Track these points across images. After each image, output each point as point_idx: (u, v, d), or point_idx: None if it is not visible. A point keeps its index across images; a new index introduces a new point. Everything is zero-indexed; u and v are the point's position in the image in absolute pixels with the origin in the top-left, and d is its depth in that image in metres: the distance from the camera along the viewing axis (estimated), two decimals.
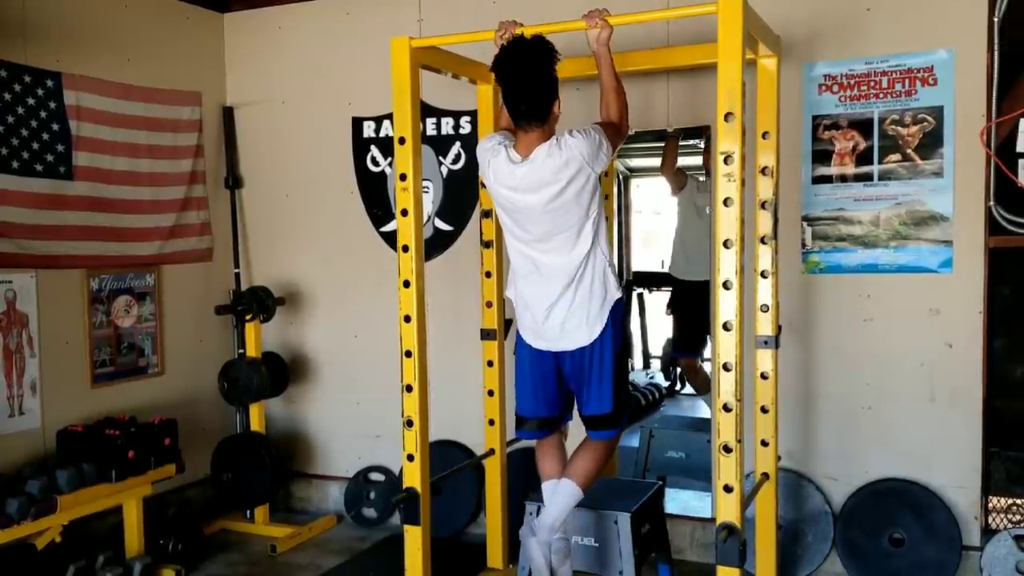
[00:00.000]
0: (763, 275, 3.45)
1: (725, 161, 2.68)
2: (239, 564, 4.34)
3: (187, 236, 4.87)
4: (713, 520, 2.85)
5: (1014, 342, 3.78)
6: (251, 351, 4.70)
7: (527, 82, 2.87)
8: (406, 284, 3.25)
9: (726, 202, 2.69)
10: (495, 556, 3.93)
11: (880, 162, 3.82)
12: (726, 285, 2.71)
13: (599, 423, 3.13)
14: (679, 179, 5.47)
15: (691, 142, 5.52)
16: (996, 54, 3.59)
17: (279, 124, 5.03)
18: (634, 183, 7.14)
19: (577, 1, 3.21)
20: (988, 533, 3.72)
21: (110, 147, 4.39)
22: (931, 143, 3.73)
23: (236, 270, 5.03)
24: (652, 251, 7.33)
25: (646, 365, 7.52)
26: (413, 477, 3.27)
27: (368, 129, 4.82)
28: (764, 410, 3.46)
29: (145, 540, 4.08)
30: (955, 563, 3.71)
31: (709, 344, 4.83)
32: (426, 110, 4.43)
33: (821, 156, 3.91)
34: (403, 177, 3.24)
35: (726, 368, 2.71)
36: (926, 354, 3.79)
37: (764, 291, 3.45)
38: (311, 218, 4.99)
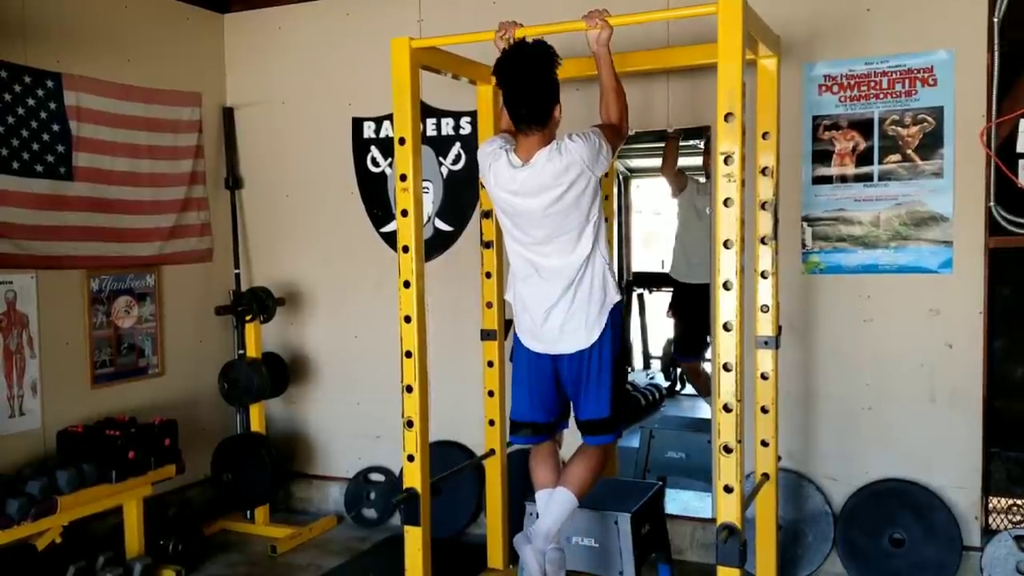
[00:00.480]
0: (763, 275, 3.45)
1: (725, 161, 2.68)
2: (239, 565, 4.34)
3: (187, 237, 4.87)
4: (713, 520, 2.85)
5: (1014, 342, 3.78)
6: (251, 351, 4.70)
7: (528, 86, 2.88)
8: (406, 284, 3.25)
9: (726, 202, 2.69)
10: (495, 556, 3.93)
11: (880, 162, 3.82)
12: (726, 285, 2.71)
13: (596, 428, 3.11)
14: (679, 180, 5.46)
15: (691, 142, 5.52)
16: (996, 54, 3.59)
17: (279, 125, 5.03)
18: (634, 183, 7.15)
19: (577, 1, 3.21)
20: (988, 533, 3.72)
21: (110, 148, 4.39)
22: (931, 143, 3.73)
23: (236, 271, 5.03)
24: (652, 251, 7.33)
25: (646, 365, 7.52)
26: (413, 477, 3.27)
27: (368, 129, 4.82)
28: (764, 410, 3.46)
29: (145, 541, 4.08)
30: (955, 563, 3.70)
31: (710, 346, 4.82)
32: (426, 111, 4.43)
33: (821, 156, 3.91)
34: (403, 178, 3.24)
35: (726, 368, 2.71)
36: (926, 354, 3.79)
37: (764, 291, 3.45)
38: (311, 219, 4.99)
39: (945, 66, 3.69)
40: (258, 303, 4.72)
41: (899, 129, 3.78)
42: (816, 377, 3.97)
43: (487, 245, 3.83)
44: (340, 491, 4.97)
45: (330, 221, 4.94)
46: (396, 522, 4.64)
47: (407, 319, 3.25)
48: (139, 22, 4.61)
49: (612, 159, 3.02)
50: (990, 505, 3.80)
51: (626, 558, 3.36)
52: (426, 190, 4.62)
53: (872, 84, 3.81)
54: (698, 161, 5.53)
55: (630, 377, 7.01)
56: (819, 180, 3.92)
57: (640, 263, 7.18)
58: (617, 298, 3.08)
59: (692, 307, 5.42)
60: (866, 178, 3.85)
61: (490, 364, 3.86)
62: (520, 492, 3.82)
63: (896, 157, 3.79)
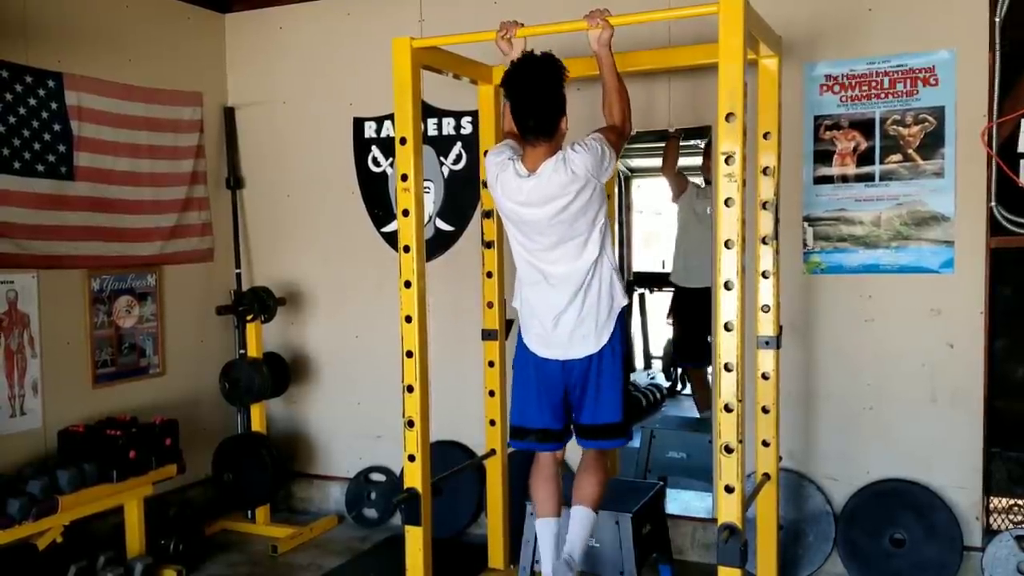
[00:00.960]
0: (764, 275, 3.45)
1: (726, 161, 2.68)
2: (240, 564, 4.34)
3: (188, 236, 4.87)
4: (714, 520, 2.85)
5: (1015, 342, 3.78)
6: (252, 351, 4.70)
7: (536, 98, 2.90)
8: (407, 284, 3.25)
9: (727, 202, 2.69)
10: (496, 556, 3.93)
11: (881, 162, 3.82)
12: (727, 285, 2.71)
13: (609, 432, 3.12)
14: (680, 182, 5.45)
15: (692, 142, 5.52)
16: (997, 54, 3.59)
17: (280, 124, 5.03)
18: (635, 183, 7.15)
19: (578, 1, 3.21)
20: (989, 534, 3.72)
21: (111, 147, 4.39)
22: (932, 143, 3.73)
23: (237, 270, 5.03)
24: (653, 251, 7.34)
25: (647, 366, 7.52)
26: (414, 477, 3.27)
27: (369, 129, 4.82)
28: (765, 410, 3.46)
29: (146, 540, 4.08)
30: (956, 564, 3.70)
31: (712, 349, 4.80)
32: (427, 110, 4.43)
33: (822, 156, 3.91)
34: (404, 177, 3.24)
35: (727, 368, 2.71)
36: (927, 354, 3.78)
37: (765, 291, 3.44)
38: (312, 218, 4.99)
39: (946, 66, 3.68)
40: (259, 303, 4.72)
41: (900, 129, 3.78)
42: (817, 377, 3.97)
43: (488, 245, 3.83)
44: (341, 491, 4.97)
45: (331, 221, 4.94)
46: (397, 522, 4.64)
47: (408, 319, 3.25)
48: (140, 22, 4.61)
49: (616, 161, 3.03)
50: (991, 505, 3.79)
51: (627, 558, 3.37)
52: (427, 190, 4.62)
53: (873, 84, 3.80)
54: (699, 161, 5.52)
55: (631, 377, 7.02)
56: (820, 180, 3.92)
57: (641, 263, 7.19)
58: (624, 302, 3.11)
59: (692, 311, 5.41)
60: (867, 178, 3.84)
61: (491, 364, 3.86)
62: (521, 492, 3.82)
63: (897, 157, 3.79)
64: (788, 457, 3.91)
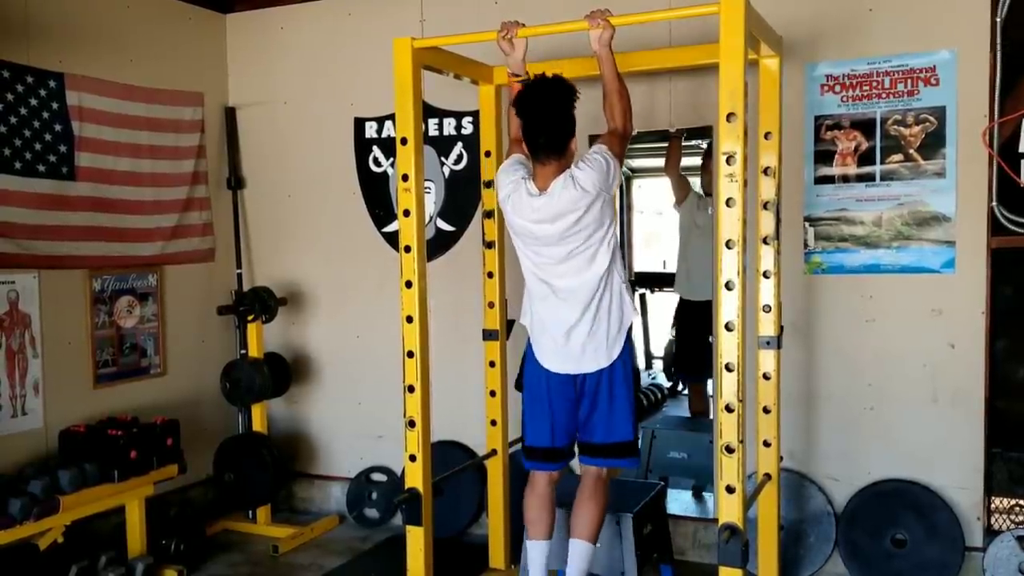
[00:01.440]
0: (765, 275, 3.44)
1: (727, 161, 2.68)
2: (241, 564, 4.34)
3: (189, 236, 4.87)
4: (715, 521, 2.85)
5: (1016, 343, 3.78)
6: (253, 351, 4.70)
7: (548, 118, 2.95)
8: (408, 284, 3.25)
9: (728, 202, 2.69)
10: (497, 556, 3.93)
11: (882, 162, 3.81)
12: (728, 285, 2.71)
13: (620, 451, 3.12)
14: (682, 186, 5.41)
15: (694, 142, 5.51)
16: (998, 54, 3.59)
17: (281, 125, 5.03)
18: (636, 183, 7.15)
19: (579, 1, 3.21)
20: (990, 534, 3.72)
21: (112, 148, 4.40)
22: (933, 143, 3.73)
23: (238, 270, 5.03)
24: (654, 251, 7.33)
25: (648, 366, 7.52)
26: (415, 477, 3.27)
27: (370, 129, 4.82)
28: (766, 411, 3.46)
29: (147, 540, 4.08)
30: (957, 564, 3.70)
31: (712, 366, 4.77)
32: (428, 110, 4.42)
33: (823, 156, 3.90)
34: (405, 178, 3.24)
35: (728, 368, 2.71)
36: (928, 355, 3.78)
37: (766, 291, 3.44)
38: (313, 219, 4.99)
39: (947, 66, 3.68)
40: (260, 303, 4.72)
41: (901, 129, 3.78)
42: (818, 377, 3.97)
43: (489, 245, 3.83)
44: (342, 491, 4.97)
45: (332, 221, 4.94)
46: (398, 522, 4.64)
47: (409, 319, 3.25)
48: (141, 22, 4.61)
49: (621, 168, 3.07)
50: (992, 505, 3.79)
51: (628, 558, 3.37)
52: (428, 190, 4.62)
53: (874, 84, 3.80)
54: (700, 160, 5.51)
55: None
56: (821, 180, 3.92)
57: (642, 263, 7.18)
58: (634, 318, 3.14)
59: (695, 324, 5.38)
60: (868, 178, 3.84)
61: (492, 364, 3.86)
62: (521, 492, 3.82)
63: (898, 157, 3.79)
64: (789, 457, 3.91)
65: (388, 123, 4.73)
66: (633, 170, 7.02)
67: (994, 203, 3.64)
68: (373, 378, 4.81)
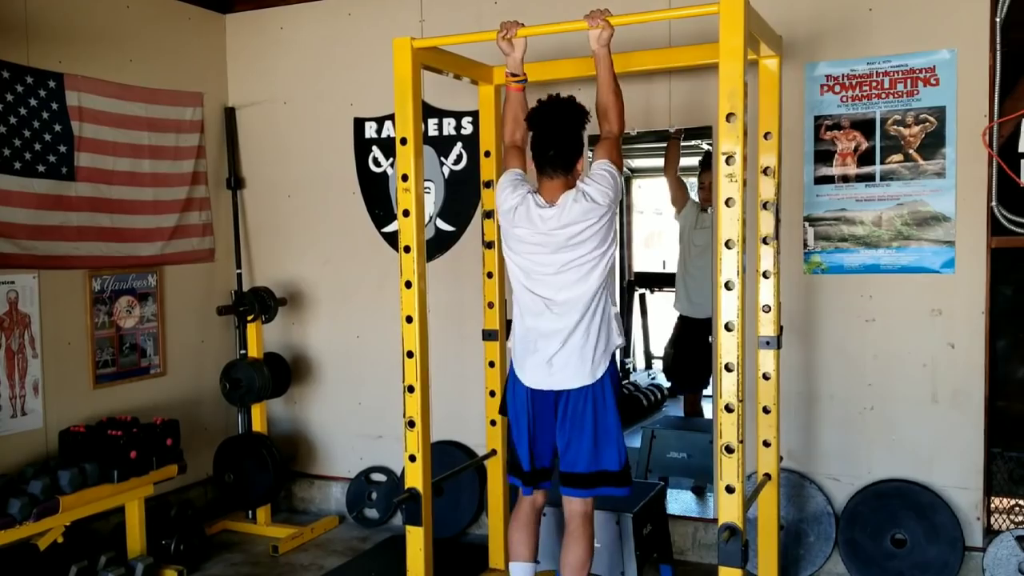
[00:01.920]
0: (765, 275, 3.45)
1: (727, 161, 2.68)
2: (241, 564, 4.34)
3: (189, 237, 4.87)
4: (715, 521, 2.85)
5: (1016, 342, 3.79)
6: (253, 351, 4.70)
7: (560, 133, 3.00)
8: (408, 285, 3.25)
9: (728, 202, 2.69)
10: (497, 557, 3.93)
11: (882, 162, 3.82)
12: (728, 286, 2.71)
13: (607, 479, 3.06)
14: (680, 192, 5.37)
15: (693, 142, 5.51)
16: (998, 54, 3.59)
17: (281, 125, 5.03)
18: (636, 183, 7.14)
19: (578, 1, 3.21)
20: (990, 534, 3.72)
21: (112, 148, 4.40)
22: (933, 143, 3.73)
23: (238, 270, 5.04)
24: (654, 251, 7.32)
25: (648, 366, 7.51)
26: (415, 477, 3.27)
27: (370, 130, 4.82)
28: (766, 410, 3.46)
29: (147, 540, 4.08)
30: (957, 564, 3.70)
31: (710, 383, 4.75)
32: (428, 111, 4.43)
33: (823, 156, 3.91)
34: (405, 178, 3.24)
35: (728, 368, 2.71)
36: (928, 354, 3.78)
37: (766, 291, 3.44)
38: (313, 219, 4.99)
39: (947, 66, 3.68)
40: (260, 303, 4.72)
41: (901, 129, 3.78)
42: (818, 377, 3.97)
43: (488, 245, 3.83)
44: (342, 491, 4.97)
45: (332, 221, 4.94)
46: (398, 522, 4.65)
47: (409, 319, 3.25)
48: (141, 22, 4.61)
49: (622, 173, 3.08)
50: (992, 505, 3.80)
51: (628, 558, 3.37)
52: (427, 190, 4.62)
53: (874, 84, 3.80)
54: (699, 160, 5.50)
55: (632, 377, 7.02)
56: (821, 180, 3.92)
57: (642, 263, 7.18)
58: (620, 342, 3.11)
59: (693, 338, 5.36)
60: (868, 178, 3.84)
61: (491, 364, 3.86)
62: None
63: (898, 157, 3.79)
64: (789, 457, 3.91)
65: (388, 123, 4.73)
66: (633, 170, 7.01)
67: (994, 203, 3.64)
68: (373, 378, 4.81)
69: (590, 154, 3.42)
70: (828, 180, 3.91)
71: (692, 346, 5.38)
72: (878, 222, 3.83)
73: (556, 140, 2.99)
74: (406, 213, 3.24)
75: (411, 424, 3.26)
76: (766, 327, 3.43)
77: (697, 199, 5.29)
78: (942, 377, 3.77)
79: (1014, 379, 3.82)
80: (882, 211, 3.83)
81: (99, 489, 3.83)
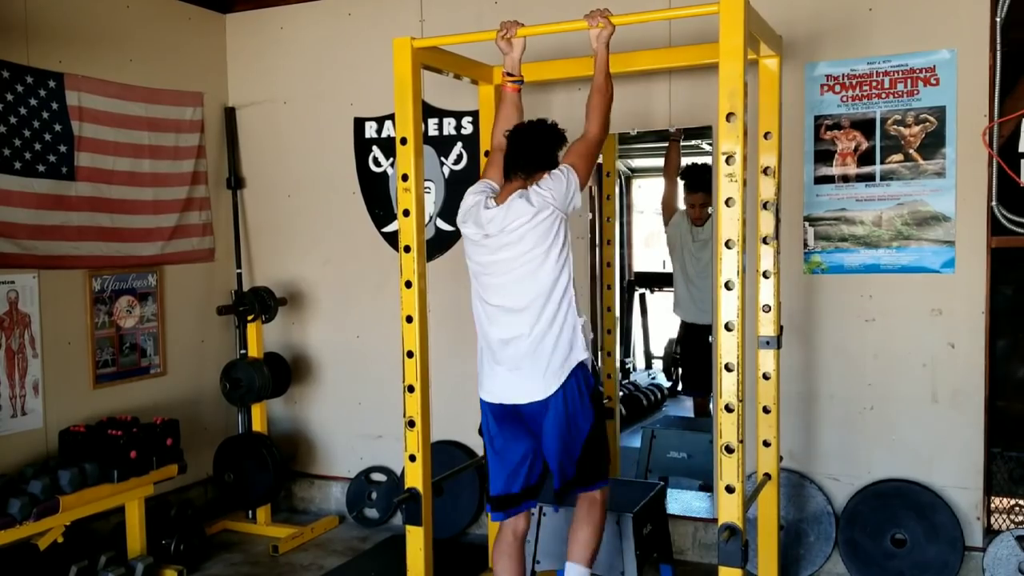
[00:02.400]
0: (765, 275, 3.44)
1: (727, 161, 2.68)
2: (241, 564, 4.34)
3: (189, 236, 4.87)
4: (715, 521, 2.84)
5: (1016, 342, 3.78)
6: (253, 351, 4.70)
7: (532, 153, 3.00)
8: (408, 284, 3.25)
9: (728, 202, 2.69)
10: None
11: (882, 162, 3.82)
12: (728, 285, 2.70)
13: (577, 483, 3.07)
14: (674, 198, 5.32)
15: (693, 142, 5.51)
16: (998, 54, 3.59)
17: (281, 125, 5.03)
18: (636, 183, 7.15)
19: (579, 1, 3.21)
20: (990, 534, 3.72)
21: (112, 148, 4.40)
22: (933, 143, 3.73)
23: (238, 270, 5.04)
24: (653, 251, 7.32)
25: (648, 366, 7.52)
26: (415, 477, 3.26)
27: (370, 129, 4.82)
28: (766, 410, 3.46)
29: (147, 540, 4.08)
30: (957, 564, 3.70)
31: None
32: (428, 110, 4.43)
33: (823, 156, 3.90)
34: (405, 177, 3.24)
35: (728, 368, 2.71)
36: (928, 354, 3.78)
37: (766, 291, 3.44)
38: (313, 219, 4.99)
39: (947, 66, 3.68)
40: (260, 303, 4.72)
41: (901, 129, 3.78)
42: (818, 377, 3.97)
43: None
44: (342, 491, 4.97)
45: (332, 221, 4.94)
46: (398, 522, 4.65)
47: (409, 319, 3.25)
48: (141, 22, 4.61)
49: (581, 192, 3.03)
50: (992, 505, 3.80)
51: (628, 558, 3.37)
52: (428, 190, 4.62)
53: (874, 84, 3.80)
54: (699, 160, 5.50)
55: (633, 377, 7.02)
56: (821, 180, 3.92)
57: (641, 263, 7.19)
58: (583, 356, 3.01)
59: (697, 345, 5.36)
60: (868, 178, 3.84)
61: None
62: None
63: (898, 157, 3.79)
64: (789, 457, 3.91)
65: (388, 123, 4.73)
66: (633, 170, 7.02)
67: (994, 203, 3.64)
68: (373, 378, 4.81)
69: None
70: (828, 180, 3.91)
71: (699, 351, 5.38)
72: (878, 222, 3.83)
73: (527, 159, 3.00)
74: (406, 213, 3.24)
75: (411, 424, 3.26)
76: (766, 327, 3.43)
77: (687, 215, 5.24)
78: (942, 377, 3.77)
79: (1014, 379, 3.81)
80: (882, 211, 3.83)
81: (99, 489, 3.83)
